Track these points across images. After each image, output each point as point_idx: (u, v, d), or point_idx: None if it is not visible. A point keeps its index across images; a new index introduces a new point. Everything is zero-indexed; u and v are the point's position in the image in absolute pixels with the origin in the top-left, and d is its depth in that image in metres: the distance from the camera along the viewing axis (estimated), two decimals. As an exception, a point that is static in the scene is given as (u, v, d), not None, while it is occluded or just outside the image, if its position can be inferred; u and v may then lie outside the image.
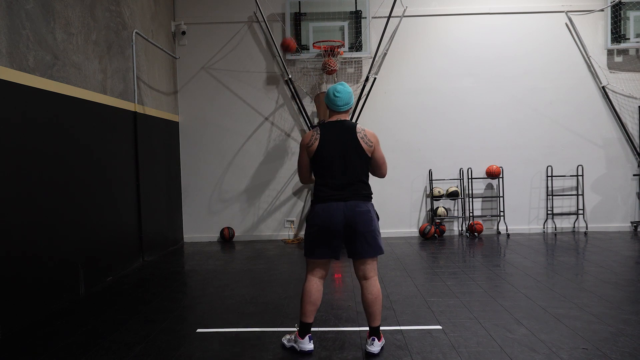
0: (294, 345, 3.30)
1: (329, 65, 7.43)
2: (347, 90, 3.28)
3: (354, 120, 7.71)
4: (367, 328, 3.34)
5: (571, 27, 7.90)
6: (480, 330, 3.61)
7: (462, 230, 8.05)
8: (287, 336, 3.40)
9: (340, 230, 3.17)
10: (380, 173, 3.40)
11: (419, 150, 8.02)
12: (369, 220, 3.20)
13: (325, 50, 7.46)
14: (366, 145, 3.22)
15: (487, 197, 8.07)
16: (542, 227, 8.06)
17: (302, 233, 8.01)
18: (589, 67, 7.93)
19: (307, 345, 3.25)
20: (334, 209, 3.16)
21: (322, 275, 3.30)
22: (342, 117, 3.31)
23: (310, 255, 3.27)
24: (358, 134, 3.22)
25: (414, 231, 8.06)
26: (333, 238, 3.19)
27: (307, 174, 3.39)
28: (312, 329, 3.47)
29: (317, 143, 3.22)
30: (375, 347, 3.24)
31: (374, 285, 3.25)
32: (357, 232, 3.16)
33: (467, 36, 7.96)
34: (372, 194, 3.31)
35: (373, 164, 3.34)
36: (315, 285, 3.27)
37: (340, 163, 3.19)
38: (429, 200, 8.06)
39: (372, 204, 3.29)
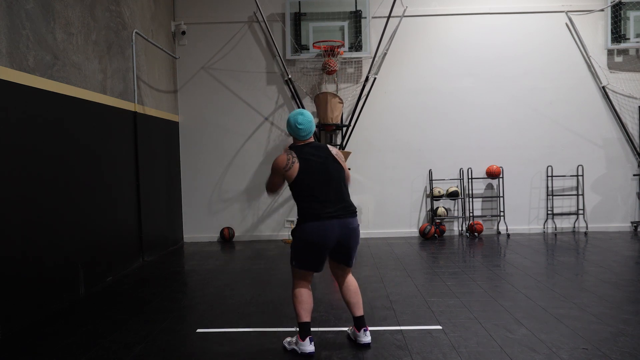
0: (295, 348, 3.28)
1: (329, 65, 7.44)
2: (308, 119, 3.37)
3: (353, 121, 7.73)
4: (368, 328, 3.34)
5: (571, 27, 7.90)
6: (480, 330, 3.61)
7: (462, 230, 8.05)
8: (288, 339, 3.39)
9: (331, 246, 3.27)
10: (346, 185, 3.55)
11: (419, 150, 8.02)
12: (358, 235, 3.39)
13: (325, 50, 7.46)
14: (341, 160, 3.40)
15: (487, 197, 8.07)
16: (542, 227, 8.06)
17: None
18: (589, 67, 7.93)
19: (308, 347, 3.23)
20: (328, 227, 3.22)
21: (309, 281, 3.39)
22: (307, 141, 3.43)
23: (301, 267, 3.32)
24: (332, 151, 3.38)
25: (414, 231, 8.06)
26: (324, 253, 3.31)
27: (277, 190, 3.47)
28: (312, 329, 3.46)
29: (296, 166, 3.25)
30: (369, 337, 3.38)
31: (353, 279, 3.49)
32: (348, 247, 3.33)
33: (467, 36, 7.96)
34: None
35: None
36: (305, 289, 3.33)
37: (326, 181, 3.28)
38: (429, 200, 8.05)
39: (358, 218, 3.45)
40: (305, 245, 3.26)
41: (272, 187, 3.43)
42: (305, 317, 3.27)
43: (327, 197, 3.26)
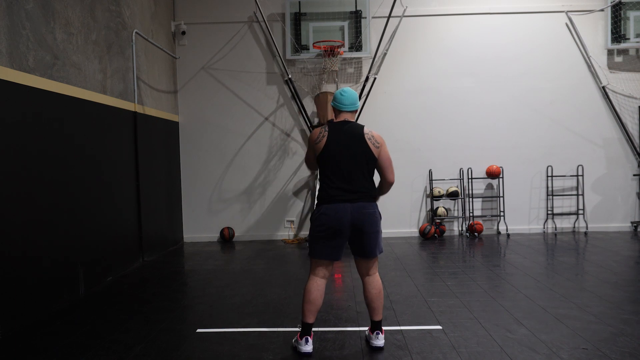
0: (296, 345, 3.31)
1: (331, 64, 7.44)
2: (352, 92, 3.37)
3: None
4: (366, 328, 3.35)
5: (571, 27, 7.90)
6: (480, 330, 3.61)
7: (462, 230, 8.05)
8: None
9: (346, 231, 3.20)
10: (387, 176, 3.33)
11: (419, 150, 8.02)
12: (375, 221, 3.25)
13: (325, 50, 7.46)
14: (373, 145, 3.25)
15: (487, 197, 8.07)
16: (542, 227, 8.05)
17: (302, 233, 8.01)
18: (589, 67, 7.93)
19: (303, 347, 3.24)
20: (340, 209, 3.17)
21: (324, 275, 3.30)
22: (349, 117, 3.35)
23: (314, 255, 3.28)
24: (365, 135, 3.25)
25: (414, 231, 8.06)
26: (338, 238, 3.22)
27: (314, 167, 3.49)
28: (313, 329, 3.46)
29: (324, 140, 3.23)
30: (381, 340, 3.33)
31: (377, 281, 3.35)
32: (364, 233, 3.21)
33: (467, 36, 7.96)
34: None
35: (379, 166, 3.32)
36: (315, 284, 3.27)
37: (347, 163, 3.21)
38: (429, 200, 8.05)
39: (377, 205, 3.32)
40: (318, 229, 3.21)
41: (307, 161, 3.47)
42: (308, 318, 3.26)
43: (344, 179, 3.20)
